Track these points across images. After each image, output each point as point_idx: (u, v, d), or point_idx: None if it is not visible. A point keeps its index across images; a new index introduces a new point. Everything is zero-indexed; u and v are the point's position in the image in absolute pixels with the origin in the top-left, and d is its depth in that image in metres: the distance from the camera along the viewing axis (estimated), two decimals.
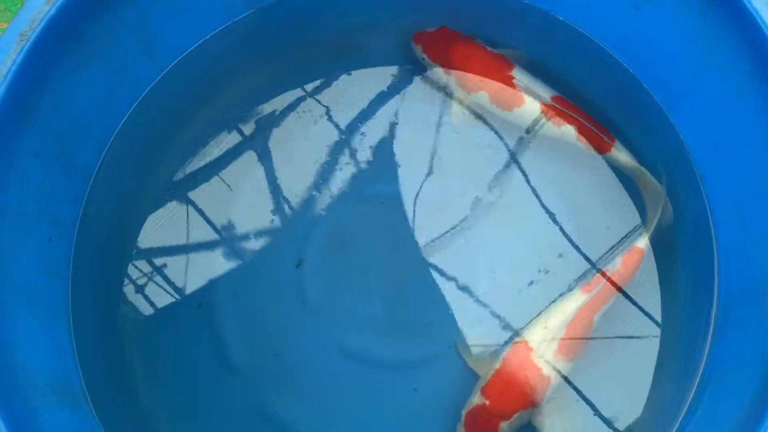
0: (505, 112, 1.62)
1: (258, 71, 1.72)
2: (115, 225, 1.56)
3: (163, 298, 1.54)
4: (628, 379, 1.47)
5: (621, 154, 1.58)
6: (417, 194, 1.61)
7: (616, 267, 1.47)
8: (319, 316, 1.53)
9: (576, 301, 1.44)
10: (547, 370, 1.40)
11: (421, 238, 1.58)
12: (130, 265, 1.56)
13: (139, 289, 1.54)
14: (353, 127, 1.66)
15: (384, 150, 1.65)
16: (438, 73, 1.67)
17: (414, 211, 1.60)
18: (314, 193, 1.62)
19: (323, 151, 1.64)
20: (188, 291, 1.55)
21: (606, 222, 1.58)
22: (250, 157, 1.64)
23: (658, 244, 1.54)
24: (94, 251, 1.50)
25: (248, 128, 1.66)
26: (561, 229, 1.58)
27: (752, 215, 1.38)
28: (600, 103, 1.64)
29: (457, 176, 1.62)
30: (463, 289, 1.54)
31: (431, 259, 1.57)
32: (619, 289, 1.48)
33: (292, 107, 1.68)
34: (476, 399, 1.39)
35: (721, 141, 1.45)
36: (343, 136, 1.66)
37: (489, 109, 1.64)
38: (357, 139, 1.65)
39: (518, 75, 1.62)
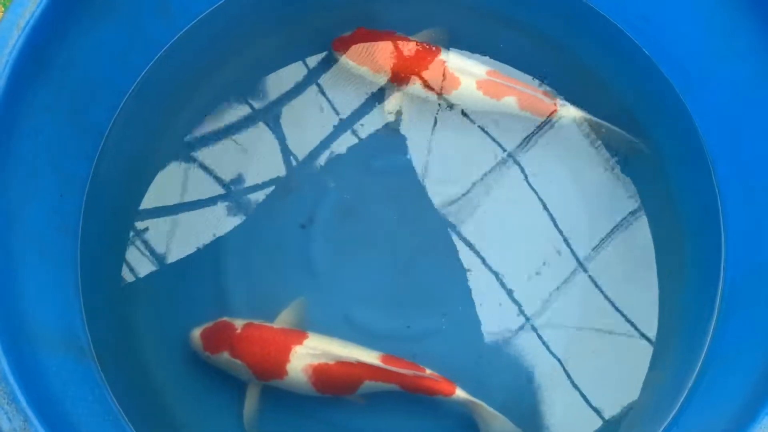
0: (444, 96, 1.62)
1: (271, 38, 1.71)
2: (125, 183, 1.56)
3: (170, 257, 1.55)
4: (627, 363, 1.48)
5: (569, 111, 1.59)
6: (425, 169, 1.61)
7: (426, 376, 1.39)
8: (324, 284, 1.54)
9: (367, 356, 1.38)
10: (290, 367, 1.38)
11: (428, 213, 1.58)
12: (138, 222, 1.56)
13: (147, 247, 1.55)
14: (365, 97, 1.66)
15: (395, 123, 1.64)
16: (366, 73, 1.65)
17: (421, 185, 1.60)
18: (323, 161, 1.62)
19: (334, 120, 1.64)
20: (196, 250, 1.55)
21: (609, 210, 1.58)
22: (260, 122, 1.64)
23: (664, 228, 1.55)
24: (103, 208, 1.51)
25: (260, 94, 1.66)
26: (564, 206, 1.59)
27: (763, 204, 1.38)
28: (613, 84, 1.64)
29: (465, 152, 1.62)
30: (469, 265, 1.55)
31: (437, 234, 1.57)
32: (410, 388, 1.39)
33: (304, 75, 1.67)
34: (240, 322, 1.43)
35: (736, 127, 1.45)
36: (355, 106, 1.65)
37: (427, 98, 1.64)
38: (368, 110, 1.65)
39: (448, 57, 1.62)
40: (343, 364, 1.37)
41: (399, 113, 1.64)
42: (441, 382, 1.39)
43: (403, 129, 1.64)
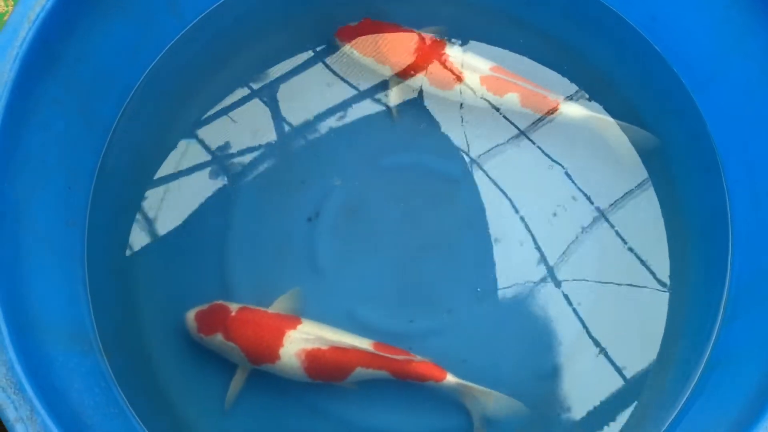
0: (447, 92, 1.63)
1: (279, 33, 1.72)
2: (132, 176, 1.57)
3: (176, 250, 1.55)
4: (631, 363, 1.48)
5: (572, 109, 1.58)
6: (431, 165, 1.61)
7: (417, 361, 1.40)
8: (328, 279, 1.54)
9: (360, 343, 1.40)
10: (283, 351, 1.39)
11: (434, 210, 1.59)
12: (145, 215, 1.57)
13: (153, 240, 1.55)
14: (372, 95, 1.66)
15: (402, 120, 1.64)
16: (371, 63, 1.65)
17: (427, 182, 1.60)
18: (330, 156, 1.62)
19: (341, 117, 1.64)
20: (202, 244, 1.56)
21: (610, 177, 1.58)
22: (267, 116, 1.64)
23: (670, 229, 1.54)
24: (110, 202, 1.51)
25: (267, 89, 1.66)
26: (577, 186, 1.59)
27: None
28: (623, 82, 1.64)
29: (470, 148, 1.62)
30: (474, 262, 1.55)
31: (443, 232, 1.57)
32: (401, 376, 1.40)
33: (312, 70, 1.68)
34: (234, 305, 1.45)
35: (745, 127, 1.45)
36: (362, 103, 1.66)
37: (429, 92, 1.64)
38: (375, 108, 1.65)
39: (452, 52, 1.62)
40: (336, 349, 1.38)
41: (402, 105, 1.64)
42: (432, 368, 1.40)
43: (409, 125, 1.64)
